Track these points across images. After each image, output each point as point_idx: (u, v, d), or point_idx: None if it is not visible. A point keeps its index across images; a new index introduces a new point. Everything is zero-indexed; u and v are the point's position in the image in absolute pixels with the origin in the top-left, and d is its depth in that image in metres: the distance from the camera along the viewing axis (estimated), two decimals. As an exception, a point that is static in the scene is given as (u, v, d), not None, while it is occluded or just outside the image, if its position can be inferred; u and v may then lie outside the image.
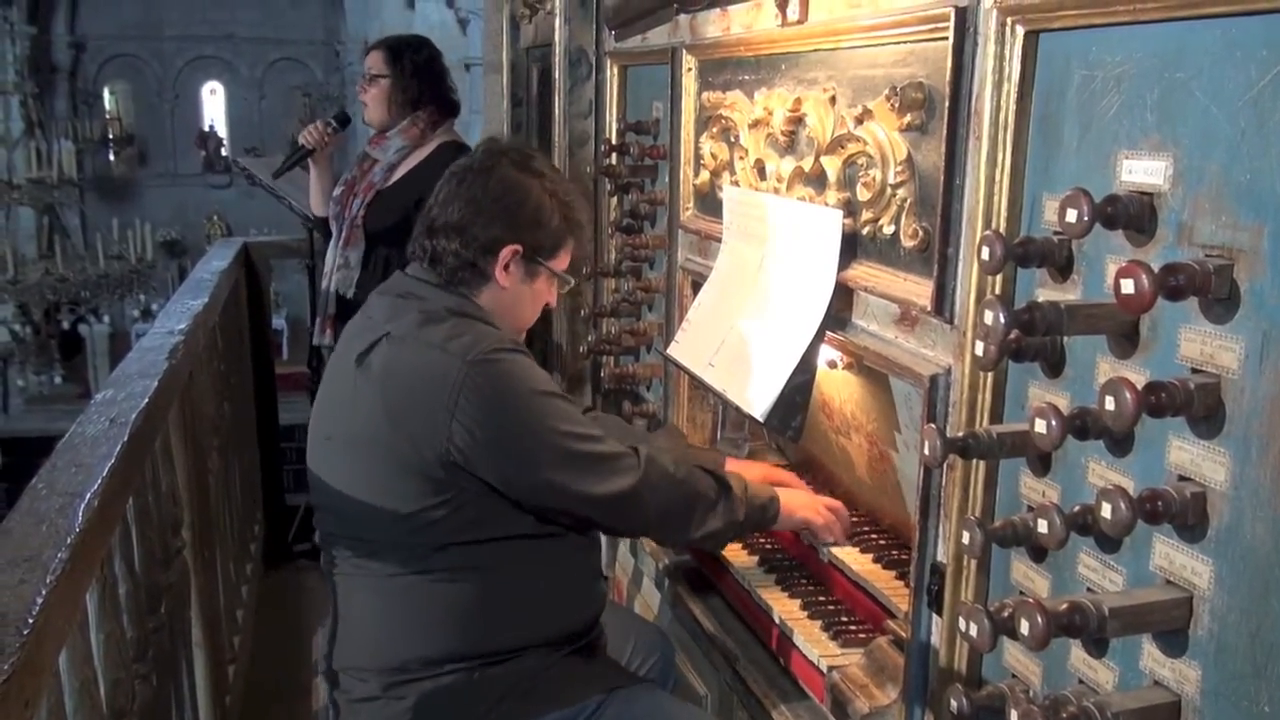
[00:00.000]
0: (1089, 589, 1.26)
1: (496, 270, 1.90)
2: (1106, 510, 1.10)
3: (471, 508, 1.78)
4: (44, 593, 1.28)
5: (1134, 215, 1.15)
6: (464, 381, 1.74)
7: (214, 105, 20.79)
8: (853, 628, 1.90)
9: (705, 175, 2.35)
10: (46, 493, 1.59)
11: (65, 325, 14.81)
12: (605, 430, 2.28)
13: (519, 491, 1.79)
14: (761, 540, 2.25)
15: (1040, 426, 1.18)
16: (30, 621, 1.20)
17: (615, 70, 2.87)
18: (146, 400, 2.07)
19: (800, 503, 2.04)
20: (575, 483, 1.80)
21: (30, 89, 15.44)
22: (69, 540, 1.42)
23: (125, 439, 1.84)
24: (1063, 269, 1.28)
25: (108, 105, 19.94)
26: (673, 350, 2.30)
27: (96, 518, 1.54)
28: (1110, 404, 1.09)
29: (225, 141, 20.55)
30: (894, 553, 1.98)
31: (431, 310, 1.85)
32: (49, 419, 16.09)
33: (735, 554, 2.22)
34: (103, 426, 1.91)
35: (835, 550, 2.01)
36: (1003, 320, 1.18)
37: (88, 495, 1.57)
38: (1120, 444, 1.20)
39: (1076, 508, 1.19)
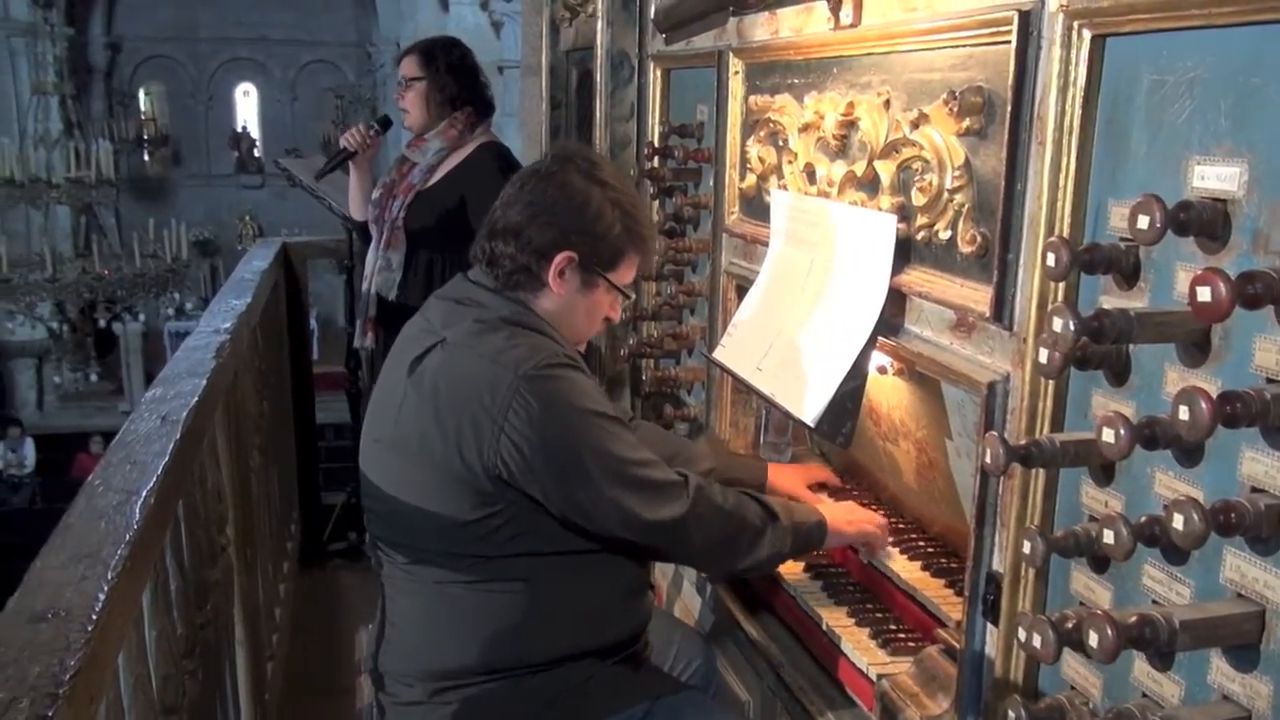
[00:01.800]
0: (1154, 601, 1.24)
1: (550, 276, 1.87)
2: (1178, 521, 1.08)
3: (519, 521, 1.77)
4: (105, 589, 1.29)
5: (1207, 222, 1.13)
6: (513, 396, 1.72)
7: (247, 107, 21.01)
8: (901, 636, 1.88)
9: (751, 179, 2.34)
10: (104, 489, 1.60)
11: (102, 323, 14.97)
12: (646, 439, 2.28)
13: (562, 509, 1.77)
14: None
15: (1108, 436, 1.16)
16: (94, 618, 1.21)
17: (658, 73, 2.87)
18: (196, 399, 2.08)
19: (845, 519, 2.02)
20: (620, 506, 1.77)
21: (69, 90, 15.63)
22: (128, 537, 1.43)
23: (178, 437, 1.85)
24: (1129, 276, 1.27)
25: (143, 106, 20.20)
26: (718, 354, 2.29)
27: (153, 515, 1.55)
28: (1184, 414, 1.07)
29: (258, 143, 20.75)
30: (943, 560, 1.97)
31: (488, 319, 1.83)
32: (83, 415, 16.32)
33: (780, 560, 2.21)
34: (155, 424, 1.92)
35: (883, 558, 2.00)
36: (1072, 328, 1.17)
37: (144, 492, 1.58)
38: (1190, 454, 1.18)
39: (1144, 518, 1.17)
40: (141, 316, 16.30)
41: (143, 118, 19.97)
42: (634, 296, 2.07)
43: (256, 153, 20.62)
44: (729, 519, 1.88)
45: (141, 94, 20.11)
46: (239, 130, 20.83)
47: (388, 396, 1.89)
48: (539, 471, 1.73)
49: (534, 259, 1.86)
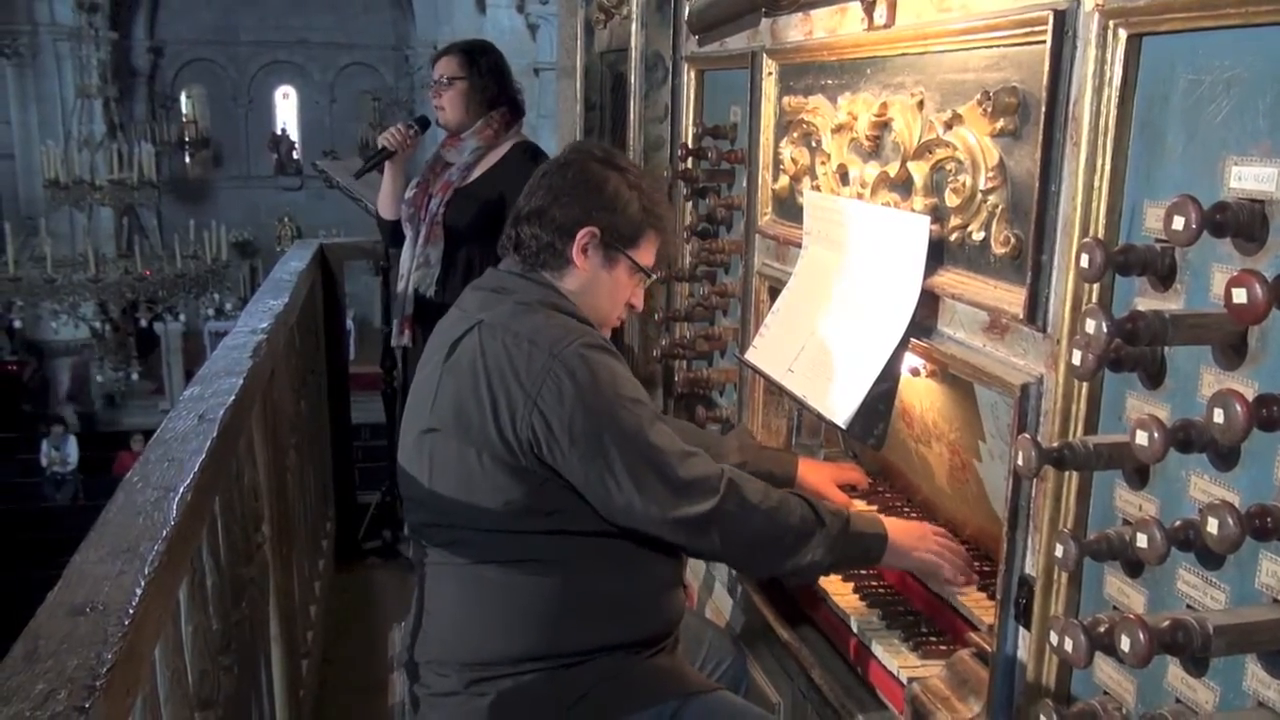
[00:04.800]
0: (1189, 606, 1.23)
1: (574, 252, 1.93)
2: (1213, 526, 1.07)
3: (554, 498, 1.79)
4: (142, 584, 1.31)
5: (1244, 223, 1.12)
6: (548, 373, 1.75)
7: (286, 109, 21.26)
8: (933, 639, 1.87)
9: (785, 180, 2.34)
10: (142, 486, 1.62)
11: (143, 323, 15.19)
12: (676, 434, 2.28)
13: (586, 492, 1.79)
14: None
15: (1142, 439, 1.15)
16: (131, 612, 1.23)
17: (692, 75, 2.87)
18: (233, 398, 2.10)
19: (913, 541, 1.92)
20: (641, 496, 1.77)
21: (112, 93, 15.86)
22: (165, 533, 1.45)
23: (214, 435, 1.87)
24: (1164, 278, 1.25)
25: (184, 109, 20.51)
26: (751, 355, 2.29)
27: (190, 511, 1.57)
28: (1219, 417, 1.06)
29: (297, 145, 20.97)
30: (975, 564, 1.95)
31: (525, 301, 1.89)
32: (124, 414, 16.56)
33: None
34: (192, 422, 1.95)
35: (957, 595, 1.90)
36: (1105, 329, 1.16)
37: (181, 489, 1.60)
38: (1225, 458, 1.17)
39: (1178, 522, 1.16)
40: (182, 317, 16.50)
41: (184, 120, 20.29)
42: (654, 277, 2.08)
43: (295, 155, 20.86)
44: (765, 520, 1.84)
45: (183, 97, 20.43)
46: (278, 132, 21.09)
47: (424, 386, 1.93)
48: (565, 450, 1.75)
49: (558, 236, 1.93)
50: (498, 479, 1.79)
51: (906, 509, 2.25)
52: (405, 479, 1.94)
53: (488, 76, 3.53)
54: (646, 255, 2.01)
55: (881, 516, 2.02)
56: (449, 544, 1.88)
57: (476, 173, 3.54)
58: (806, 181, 2.23)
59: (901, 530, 1.95)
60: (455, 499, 1.83)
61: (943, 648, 1.84)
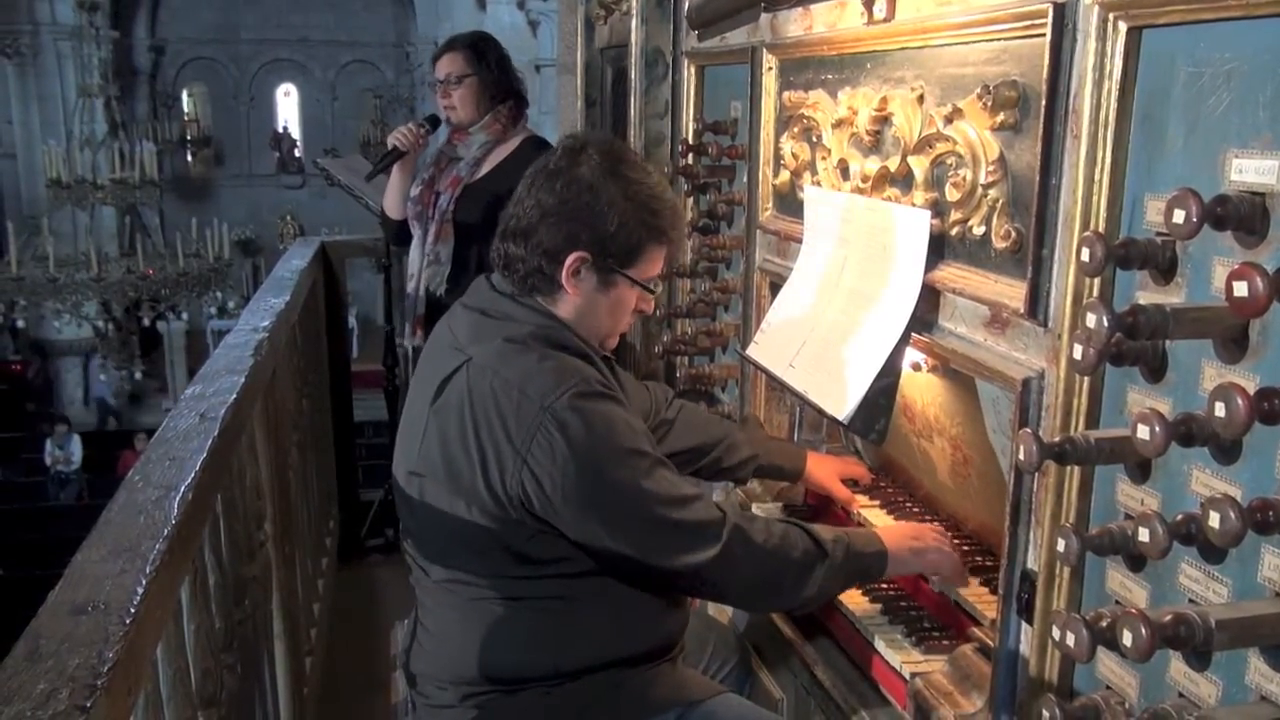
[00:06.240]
0: (1191, 600, 1.22)
1: (564, 277, 1.79)
2: (1215, 520, 1.07)
3: (549, 548, 1.74)
4: (144, 583, 1.31)
5: (1245, 216, 1.12)
6: (538, 429, 1.66)
7: (288, 107, 21.28)
8: (935, 634, 1.87)
9: (785, 175, 2.33)
10: (143, 485, 1.62)
11: (146, 322, 15.22)
12: (688, 421, 2.26)
13: (584, 548, 1.74)
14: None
15: (1143, 433, 1.15)
16: (132, 611, 1.23)
17: (692, 70, 2.87)
18: (234, 396, 2.10)
19: (909, 544, 1.91)
20: (640, 549, 1.72)
21: (113, 92, 15.86)
22: (166, 532, 1.45)
23: (215, 434, 1.87)
24: (1165, 271, 1.25)
25: (186, 107, 20.54)
26: (752, 351, 2.29)
27: (191, 510, 1.57)
28: (1220, 410, 1.05)
29: (299, 143, 20.99)
30: (978, 559, 1.95)
31: (518, 337, 1.76)
32: (128, 413, 16.60)
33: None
34: (193, 421, 1.95)
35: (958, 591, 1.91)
36: (1105, 323, 1.16)
37: (182, 488, 1.60)
38: (1227, 452, 1.17)
39: (1180, 516, 1.16)
40: (185, 315, 16.49)
41: (185, 119, 20.34)
42: (658, 290, 1.95)
43: (297, 153, 20.90)
44: (769, 559, 1.79)
45: (184, 95, 20.47)
46: (280, 130, 21.11)
47: (413, 425, 1.85)
48: (558, 507, 1.68)
49: (545, 261, 1.79)
50: (490, 530, 1.73)
51: (908, 504, 2.25)
52: (403, 504, 1.88)
53: (496, 69, 3.48)
54: (649, 268, 1.86)
55: (877, 530, 2.00)
56: (446, 576, 1.83)
57: (485, 168, 3.49)
58: (807, 177, 2.23)
59: (898, 538, 1.93)
60: (452, 542, 1.79)
61: (945, 643, 1.84)
